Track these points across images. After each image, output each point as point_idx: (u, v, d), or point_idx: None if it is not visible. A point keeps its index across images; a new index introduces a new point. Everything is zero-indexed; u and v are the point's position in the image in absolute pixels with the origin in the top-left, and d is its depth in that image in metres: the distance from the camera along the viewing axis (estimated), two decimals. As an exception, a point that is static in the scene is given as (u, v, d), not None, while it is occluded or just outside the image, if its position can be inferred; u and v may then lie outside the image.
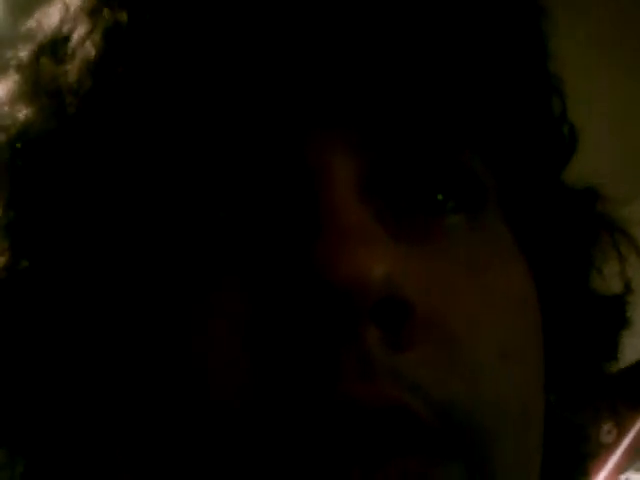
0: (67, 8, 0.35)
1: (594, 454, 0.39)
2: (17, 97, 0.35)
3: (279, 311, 0.28)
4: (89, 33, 0.32)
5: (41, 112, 0.34)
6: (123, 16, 0.31)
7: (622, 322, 0.38)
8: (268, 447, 0.28)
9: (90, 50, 0.32)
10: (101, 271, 0.32)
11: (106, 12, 0.32)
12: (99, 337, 0.32)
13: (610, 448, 1.96)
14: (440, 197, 0.32)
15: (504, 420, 0.30)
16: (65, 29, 0.34)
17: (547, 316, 0.34)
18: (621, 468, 1.94)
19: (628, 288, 0.38)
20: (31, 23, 0.37)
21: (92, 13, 0.33)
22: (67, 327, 0.32)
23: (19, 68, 0.36)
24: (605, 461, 1.95)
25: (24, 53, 0.36)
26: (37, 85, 0.34)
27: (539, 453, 0.33)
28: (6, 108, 0.35)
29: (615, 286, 0.38)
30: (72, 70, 0.32)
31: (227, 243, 0.30)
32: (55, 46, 0.34)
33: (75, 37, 0.33)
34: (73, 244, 0.32)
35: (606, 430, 1.96)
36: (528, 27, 0.34)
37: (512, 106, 0.33)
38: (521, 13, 0.34)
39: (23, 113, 0.34)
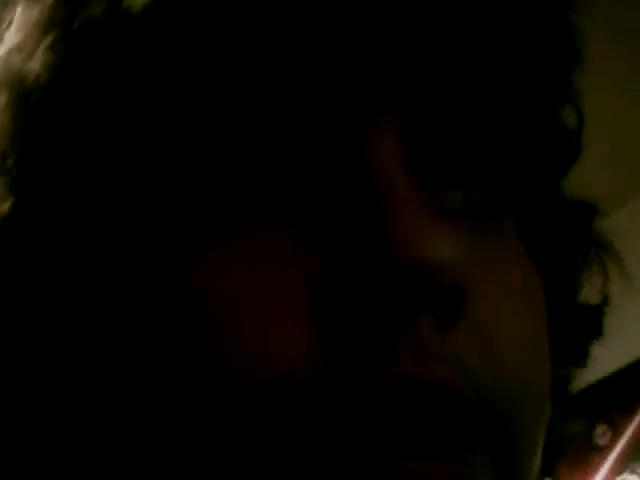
0: None
1: (563, 453, 0.40)
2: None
3: (348, 284, 0.29)
4: None
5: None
6: None
7: (598, 331, 0.40)
8: (326, 423, 0.28)
9: None
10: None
11: None
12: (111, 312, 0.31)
13: (605, 450, 1.97)
14: (475, 196, 0.33)
15: (527, 408, 0.31)
16: None
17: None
18: (617, 470, 1.95)
19: (606, 299, 0.40)
20: None
21: None
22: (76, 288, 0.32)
23: None
24: (601, 463, 1.96)
25: None
26: None
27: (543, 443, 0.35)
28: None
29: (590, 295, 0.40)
30: None
31: (284, 201, 0.31)
32: None
33: None
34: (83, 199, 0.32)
35: (600, 433, 1.98)
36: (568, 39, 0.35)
37: (537, 115, 0.34)
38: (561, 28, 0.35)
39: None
